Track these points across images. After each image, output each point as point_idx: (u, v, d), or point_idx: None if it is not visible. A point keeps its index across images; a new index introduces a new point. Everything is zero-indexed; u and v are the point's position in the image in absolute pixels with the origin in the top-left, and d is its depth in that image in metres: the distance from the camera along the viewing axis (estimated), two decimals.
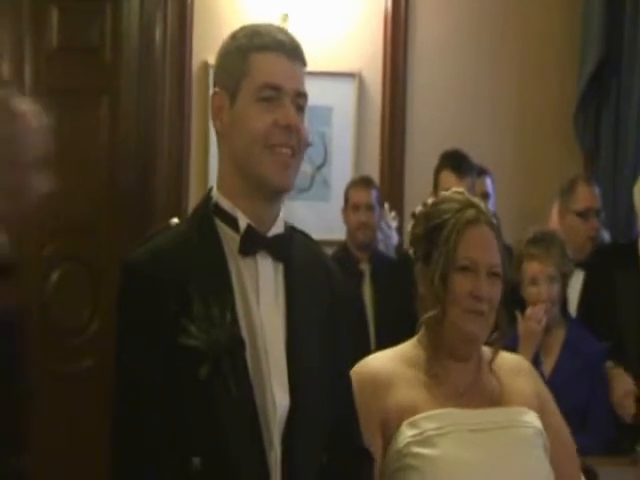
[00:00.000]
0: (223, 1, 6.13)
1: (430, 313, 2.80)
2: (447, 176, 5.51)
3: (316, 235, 2.67)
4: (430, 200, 2.97)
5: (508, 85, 6.63)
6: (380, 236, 5.91)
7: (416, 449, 2.69)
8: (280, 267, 2.48)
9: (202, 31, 6.09)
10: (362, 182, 5.91)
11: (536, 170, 6.62)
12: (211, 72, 5.84)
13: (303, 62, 2.48)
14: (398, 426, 2.73)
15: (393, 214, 6.09)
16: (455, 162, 5.54)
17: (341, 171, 6.33)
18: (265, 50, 2.41)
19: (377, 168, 6.43)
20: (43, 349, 5.75)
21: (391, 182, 6.44)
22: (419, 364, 2.82)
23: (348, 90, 6.35)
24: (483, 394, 2.85)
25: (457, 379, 2.83)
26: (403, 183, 6.45)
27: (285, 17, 6.06)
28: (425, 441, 2.70)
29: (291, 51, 2.44)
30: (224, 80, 2.46)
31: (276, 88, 2.40)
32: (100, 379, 4.84)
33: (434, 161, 6.27)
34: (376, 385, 2.77)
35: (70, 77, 6.16)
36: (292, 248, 2.52)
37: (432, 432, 2.71)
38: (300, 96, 2.44)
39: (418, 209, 2.95)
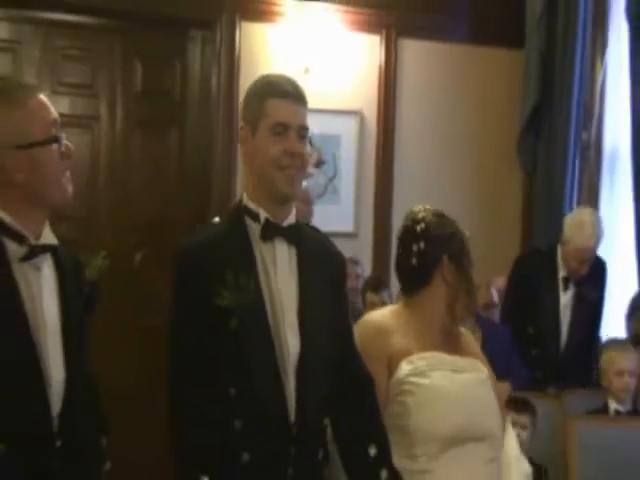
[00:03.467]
0: (261, 58, 6.05)
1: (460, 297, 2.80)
2: None
3: (328, 228, 2.59)
4: (423, 208, 2.87)
5: (469, 122, 6.55)
6: None
7: (413, 379, 2.70)
8: (293, 249, 2.50)
9: (246, 79, 5.76)
10: (374, 286, 5.49)
11: (487, 184, 6.58)
12: None
13: (305, 103, 2.50)
14: (398, 363, 2.72)
15: None
16: None
17: (347, 182, 6.29)
18: (276, 97, 2.45)
19: (373, 180, 6.38)
20: (134, 306, 5.81)
21: (382, 190, 6.38)
22: (409, 319, 2.80)
23: (352, 123, 6.29)
24: (456, 344, 2.87)
25: (441, 330, 2.84)
26: (392, 191, 6.39)
27: (307, 70, 6.01)
28: (419, 373, 2.70)
29: (295, 97, 2.47)
30: (247, 117, 2.49)
31: (284, 125, 2.44)
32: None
33: (416, 174, 6.42)
34: (382, 332, 2.75)
35: (150, 113, 6.12)
36: (302, 236, 2.53)
37: (424, 367, 2.72)
38: (303, 128, 2.48)
39: (422, 215, 2.83)
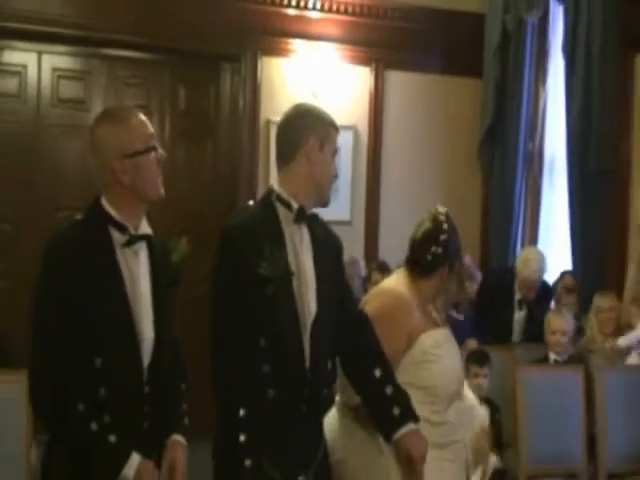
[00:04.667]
0: (277, 85, 6.09)
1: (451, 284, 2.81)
2: None
3: (329, 217, 2.40)
4: (445, 216, 2.80)
5: (440, 135, 6.58)
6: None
7: (435, 350, 2.70)
8: (309, 232, 2.47)
9: (266, 101, 6.05)
10: (380, 268, 5.35)
11: (454, 184, 6.53)
12: (272, 126, 5.80)
13: None
14: (418, 336, 2.70)
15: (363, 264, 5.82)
16: None
17: (345, 182, 6.19)
18: (334, 128, 2.47)
19: (364, 180, 6.38)
20: (186, 277, 5.80)
21: (372, 188, 6.35)
22: (415, 298, 2.75)
23: (348, 137, 6.21)
24: (436, 320, 2.86)
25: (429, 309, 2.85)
26: (380, 189, 6.38)
27: (314, 93, 6.05)
28: (438, 346, 2.71)
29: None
30: (319, 131, 2.43)
31: (336, 152, 2.50)
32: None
33: (398, 176, 6.40)
34: (409, 307, 2.72)
35: (191, 128, 6.21)
36: (315, 222, 2.48)
37: (440, 341, 2.74)
38: None
39: (445, 226, 2.77)
